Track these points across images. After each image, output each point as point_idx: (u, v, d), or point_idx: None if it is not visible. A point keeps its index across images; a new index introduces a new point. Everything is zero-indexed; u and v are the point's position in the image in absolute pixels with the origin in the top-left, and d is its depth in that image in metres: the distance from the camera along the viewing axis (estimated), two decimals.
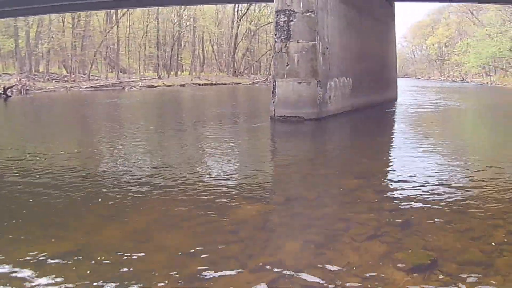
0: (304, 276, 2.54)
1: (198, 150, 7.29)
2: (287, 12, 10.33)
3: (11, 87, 21.44)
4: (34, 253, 2.82)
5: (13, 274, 2.57)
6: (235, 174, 5.33)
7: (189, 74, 43.53)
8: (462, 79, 52.17)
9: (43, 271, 2.58)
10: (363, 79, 14.15)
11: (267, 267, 2.65)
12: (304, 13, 10.24)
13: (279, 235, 3.30)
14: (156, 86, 32.23)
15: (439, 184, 4.60)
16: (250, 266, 2.67)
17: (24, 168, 5.61)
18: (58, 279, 2.50)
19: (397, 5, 19.46)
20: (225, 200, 4.09)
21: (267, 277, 2.53)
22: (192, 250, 2.91)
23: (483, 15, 43.86)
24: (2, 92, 19.55)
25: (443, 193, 4.26)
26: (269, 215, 3.77)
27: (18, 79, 24.93)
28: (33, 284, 2.46)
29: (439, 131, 9.88)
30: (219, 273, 2.58)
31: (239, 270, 2.62)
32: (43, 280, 2.49)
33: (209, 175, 5.20)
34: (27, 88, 23.32)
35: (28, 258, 2.75)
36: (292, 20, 10.30)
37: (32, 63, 32.27)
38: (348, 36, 12.72)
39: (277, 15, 10.53)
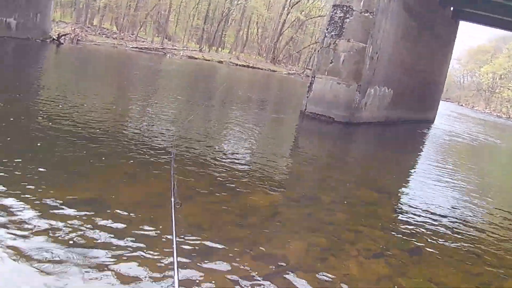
0: (302, 276, 2.50)
1: (220, 130, 7.27)
2: (345, 8, 10.03)
3: (65, 35, 22.20)
4: (56, 197, 2.92)
5: (34, 215, 2.65)
6: (253, 162, 5.29)
7: (229, 52, 43.50)
8: (508, 116, 49.89)
9: (61, 216, 2.68)
10: (405, 93, 13.71)
11: (269, 258, 2.63)
12: (362, 13, 9.91)
13: (287, 231, 3.25)
14: (196, 58, 32.41)
15: (458, 220, 4.44)
16: (253, 253, 2.67)
17: (57, 116, 5.77)
18: (75, 225, 2.58)
19: (460, 24, 18.58)
20: (240, 185, 4.07)
21: (267, 268, 2.51)
22: (202, 224, 2.94)
23: None
24: (56, 39, 20.26)
25: (460, 231, 4.10)
26: (281, 209, 3.73)
27: (73, 28, 25.73)
28: (49, 226, 2.54)
29: (469, 166, 9.46)
30: (222, 252, 2.60)
31: (242, 254, 2.61)
32: (59, 224, 2.57)
33: (227, 157, 5.17)
34: (79, 38, 24.02)
35: (49, 201, 2.85)
36: (347, 17, 10.00)
37: (88, 15, 33.11)
38: (401, 45, 12.28)
39: (334, 10, 10.24)
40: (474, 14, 16.51)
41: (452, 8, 16.62)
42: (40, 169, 3.34)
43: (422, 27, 13.52)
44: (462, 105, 64.95)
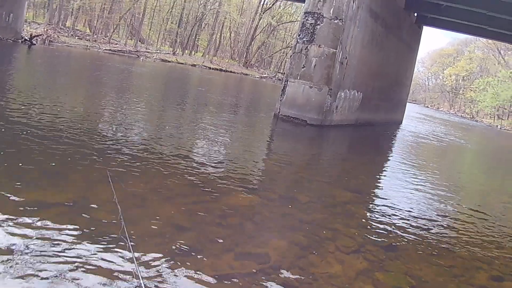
0: (284, 273, 2.57)
1: (194, 133, 7.27)
2: (316, 16, 10.28)
3: (38, 36, 21.64)
4: (34, 199, 2.87)
5: (11, 217, 2.58)
6: (229, 164, 5.31)
7: (202, 56, 43.44)
8: (472, 116, 52.21)
9: (40, 217, 2.62)
10: (373, 96, 14.15)
11: (251, 257, 2.69)
12: (332, 20, 10.20)
13: (267, 230, 3.32)
14: (169, 61, 32.17)
15: (428, 218, 4.63)
16: (235, 252, 2.71)
17: (29, 116, 5.60)
18: (53, 227, 2.54)
19: (424, 28, 19.37)
20: (217, 187, 4.10)
21: (250, 266, 2.56)
22: (183, 225, 2.95)
23: (511, 56, 43.79)
24: (28, 39, 19.69)
25: (431, 227, 4.29)
26: (260, 209, 3.79)
27: (45, 29, 25.04)
28: (28, 229, 2.47)
29: (437, 166, 9.86)
30: (204, 252, 2.63)
31: (225, 254, 2.65)
32: (38, 225, 2.51)
33: (203, 160, 5.18)
34: (51, 39, 23.44)
35: (28, 203, 2.80)
36: (318, 24, 10.26)
37: (61, 16, 32.29)
38: (369, 50, 12.69)
39: (305, 17, 10.48)
40: (437, 19, 17.30)
41: (416, 14, 17.34)
42: (14, 170, 3.25)
43: (388, 32, 14.03)
44: (427, 107, 67.45)
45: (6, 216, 2.56)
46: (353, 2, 10.52)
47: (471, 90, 52.88)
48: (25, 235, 2.40)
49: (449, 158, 12.37)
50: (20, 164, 3.51)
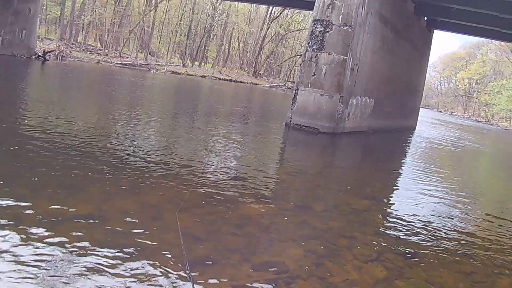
0: (302, 282, 2.54)
1: (207, 143, 7.31)
2: (325, 23, 10.31)
3: (50, 51, 22.17)
4: (52, 211, 2.91)
5: (30, 229, 2.62)
6: (243, 174, 5.31)
7: (211, 67, 43.87)
8: (487, 120, 51.32)
9: (59, 230, 2.66)
10: (385, 102, 14.05)
11: (269, 266, 2.67)
12: (342, 27, 10.21)
13: (283, 239, 3.29)
14: (179, 73, 32.58)
15: (447, 224, 4.54)
16: (252, 262, 2.70)
17: (45, 129, 5.71)
18: (72, 239, 2.56)
19: (434, 32, 19.25)
20: (232, 196, 4.09)
21: (267, 276, 2.54)
22: (199, 235, 2.96)
23: None
24: (41, 55, 20.16)
25: (450, 234, 4.20)
26: (275, 218, 3.76)
27: (57, 45, 25.73)
28: (48, 241, 2.50)
29: (454, 172, 9.68)
30: (222, 261, 2.63)
31: (242, 264, 2.64)
32: (56, 239, 2.54)
33: (217, 170, 5.20)
34: (64, 55, 24.03)
35: (46, 214, 2.84)
36: (328, 32, 10.28)
37: (72, 32, 33.10)
38: (380, 56, 12.64)
39: (314, 24, 10.51)
40: (448, 23, 17.18)
41: (426, 18, 17.25)
42: (34, 184, 3.31)
43: (399, 37, 13.97)
44: (441, 111, 66.62)
45: (25, 228, 2.60)
46: (362, 8, 10.52)
47: (485, 94, 52.08)
48: (44, 246, 2.43)
49: (465, 163, 12.15)
50: (36, 179, 3.57)
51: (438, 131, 21.71)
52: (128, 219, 3.05)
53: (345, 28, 10.22)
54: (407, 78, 16.41)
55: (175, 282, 2.33)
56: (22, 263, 2.25)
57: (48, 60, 20.43)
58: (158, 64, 34.06)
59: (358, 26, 10.51)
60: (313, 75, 10.45)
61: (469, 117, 57.82)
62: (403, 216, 4.55)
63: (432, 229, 4.21)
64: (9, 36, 18.42)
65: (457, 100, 69.81)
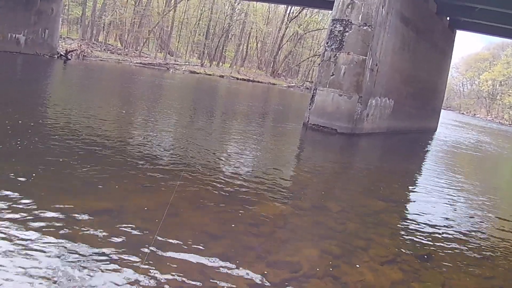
0: (317, 282, 2.55)
1: (225, 142, 7.37)
2: (344, 23, 10.23)
3: (72, 51, 22.70)
4: (75, 206, 3.01)
5: (52, 223, 2.71)
6: (259, 173, 5.34)
7: (229, 67, 44.02)
8: (510, 123, 49.83)
9: (78, 224, 2.75)
10: (405, 103, 13.83)
11: (284, 265, 2.69)
12: (361, 26, 10.11)
13: (299, 238, 3.30)
14: (197, 73, 32.82)
15: (465, 227, 4.47)
16: (267, 260, 2.73)
17: (69, 129, 5.88)
18: (90, 234, 2.64)
19: (457, 32, 18.83)
20: (249, 195, 4.13)
21: (282, 275, 2.56)
22: (215, 233, 3.01)
23: None
24: (64, 54, 20.68)
25: (468, 237, 4.13)
26: (291, 218, 3.78)
27: (79, 45, 26.30)
28: (67, 234, 2.59)
29: (474, 176, 9.46)
30: (237, 259, 2.66)
31: (257, 262, 2.67)
32: (74, 233, 2.63)
33: (234, 168, 5.24)
34: (85, 54, 24.54)
35: (69, 210, 2.94)
36: (347, 31, 10.20)
37: (93, 32, 33.81)
38: (400, 56, 12.46)
39: (333, 24, 10.45)
40: (471, 23, 16.78)
41: (448, 18, 16.90)
42: (55, 180, 3.42)
43: (420, 37, 13.73)
44: (463, 113, 65.06)
45: (49, 222, 2.70)
46: (383, 8, 10.40)
47: (510, 95, 50.59)
48: (67, 240, 2.52)
49: (486, 167, 11.84)
50: (61, 173, 3.69)
51: (459, 133, 21.23)
52: (144, 215, 3.11)
53: (364, 27, 10.12)
54: (428, 79, 16.12)
55: (188, 278, 2.37)
56: (42, 254, 2.34)
57: (70, 59, 20.92)
58: (177, 64, 34.43)
59: (378, 26, 10.39)
60: (331, 75, 10.39)
61: (492, 119, 56.27)
62: (420, 218, 4.50)
63: (450, 232, 4.14)
64: (32, 36, 18.92)
65: (480, 102, 68.02)
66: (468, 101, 72.28)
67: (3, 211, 2.74)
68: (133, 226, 2.88)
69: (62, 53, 21.02)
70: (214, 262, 2.59)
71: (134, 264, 2.40)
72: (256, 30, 47.55)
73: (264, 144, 7.71)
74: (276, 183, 4.84)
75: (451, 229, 4.27)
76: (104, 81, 15.56)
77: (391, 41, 11.47)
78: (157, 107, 10.39)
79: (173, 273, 2.37)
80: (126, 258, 2.45)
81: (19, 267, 2.19)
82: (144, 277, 2.30)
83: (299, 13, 46.28)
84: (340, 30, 10.27)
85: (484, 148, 16.11)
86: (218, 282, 2.37)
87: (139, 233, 2.80)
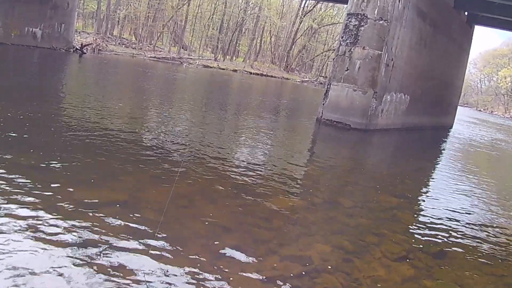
0: (328, 277, 2.56)
1: (238, 137, 7.39)
2: (359, 17, 10.11)
3: (88, 45, 22.97)
4: (91, 197, 3.08)
5: (72, 214, 2.78)
6: (272, 168, 5.35)
7: (243, 61, 43.94)
8: None
9: (97, 215, 2.81)
10: (421, 99, 13.63)
11: (296, 259, 2.71)
12: (377, 21, 9.98)
13: (311, 233, 3.31)
14: (211, 67, 32.88)
15: (479, 225, 4.41)
16: (280, 254, 2.74)
17: (85, 122, 5.98)
18: (105, 223, 2.70)
19: (476, 28, 18.42)
20: (261, 189, 4.15)
21: (294, 268, 2.58)
22: (228, 226, 3.04)
23: None
24: (79, 48, 20.96)
25: (481, 235, 4.08)
26: (303, 213, 3.78)
27: (94, 39, 26.59)
28: (83, 224, 2.66)
29: (490, 174, 9.27)
30: (249, 253, 2.68)
31: (269, 256, 2.69)
32: (89, 223, 2.70)
33: (247, 163, 5.26)
34: (100, 48, 24.80)
35: (86, 201, 3.01)
36: (362, 26, 10.08)
37: (108, 26, 34.13)
38: (417, 51, 12.27)
39: (348, 18, 10.33)
40: (490, 18, 16.38)
41: (466, 13, 16.53)
42: (73, 170, 3.50)
43: (437, 32, 13.48)
44: (480, 110, 63.75)
45: (67, 212, 2.76)
46: (399, 2, 10.23)
47: None
48: (83, 230, 2.58)
49: (502, 166, 11.62)
50: (79, 164, 3.76)
51: (476, 130, 20.84)
52: (159, 207, 3.16)
53: (380, 22, 9.98)
54: (445, 74, 15.83)
55: (201, 273, 2.40)
56: (61, 241, 2.40)
57: (85, 53, 21.18)
58: (191, 58, 34.54)
59: (394, 20, 10.23)
60: (346, 70, 10.30)
61: (511, 117, 55.03)
62: (434, 215, 4.45)
63: (464, 230, 4.10)
64: (48, 30, 19.20)
65: (498, 99, 66.52)
66: (486, 98, 70.74)
67: (20, 200, 2.81)
68: (146, 216, 2.92)
69: (77, 47, 21.30)
70: (226, 254, 2.61)
71: (147, 253, 2.44)
72: (270, 24, 47.28)
73: (277, 139, 7.71)
74: (288, 178, 4.84)
75: (465, 226, 4.22)
76: (119, 75, 15.74)
77: (407, 36, 11.29)
78: (171, 101, 10.48)
79: (185, 265, 2.41)
80: (139, 248, 2.49)
81: (40, 253, 2.25)
82: (158, 267, 2.34)
83: (314, 7, 45.85)
84: (355, 25, 10.15)
85: (501, 146, 15.78)
86: (230, 274, 2.40)
87: (151, 223, 2.84)
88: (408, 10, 10.88)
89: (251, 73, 36.90)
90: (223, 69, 34.34)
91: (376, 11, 9.96)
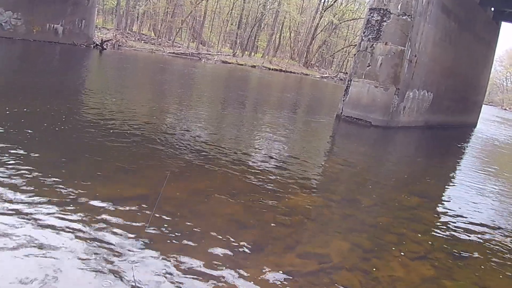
0: (346, 275, 2.55)
1: (257, 133, 7.39)
2: (382, 12, 9.93)
3: (108, 41, 23.33)
4: (112, 192, 3.15)
5: (89, 209, 2.86)
6: (291, 164, 5.32)
7: (261, 57, 43.77)
8: None
9: (117, 210, 2.87)
10: (445, 97, 13.32)
11: (313, 256, 2.70)
12: (400, 16, 9.78)
13: (329, 231, 3.30)
14: (229, 63, 32.90)
15: (502, 226, 4.30)
16: (297, 251, 2.74)
17: (104, 117, 6.10)
18: (123, 217, 2.76)
19: (502, 25, 17.83)
20: (279, 186, 4.15)
21: (311, 265, 2.58)
22: (245, 223, 3.05)
23: None
24: (99, 44, 21.32)
25: (504, 236, 3.97)
26: (322, 210, 3.77)
27: (114, 34, 27.01)
28: (101, 218, 2.72)
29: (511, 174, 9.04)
30: (267, 249, 2.69)
31: (286, 252, 2.70)
32: (108, 217, 2.76)
33: (265, 159, 5.27)
34: (120, 44, 25.16)
35: (102, 195, 3.08)
36: (385, 21, 9.90)
37: (127, 22, 34.63)
38: (441, 48, 11.97)
39: (370, 13, 10.17)
40: None
41: (493, 9, 16.01)
42: (91, 166, 3.59)
43: (462, 28, 13.12)
44: (505, 109, 61.76)
45: (88, 207, 2.84)
46: None
47: None
48: (104, 224, 2.64)
49: None
50: (99, 159, 3.85)
51: (500, 130, 20.23)
52: (178, 202, 3.21)
53: (404, 17, 9.78)
54: (469, 72, 15.40)
55: (221, 269, 2.43)
56: (83, 236, 2.47)
57: (105, 49, 21.52)
58: (209, 54, 34.63)
59: (418, 16, 10.01)
60: (367, 66, 10.15)
61: None
62: (455, 215, 4.37)
63: (485, 230, 4.01)
64: (69, 26, 19.59)
65: None
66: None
67: (41, 196, 2.90)
68: (164, 211, 2.97)
69: (98, 42, 21.63)
70: (243, 250, 2.63)
71: (166, 250, 2.49)
72: (290, 20, 46.89)
73: (296, 135, 7.69)
74: (307, 175, 4.83)
75: (487, 227, 4.12)
76: (138, 70, 15.96)
77: (431, 32, 11.03)
78: (189, 97, 10.56)
79: (202, 260, 2.44)
80: (158, 242, 2.54)
81: (62, 247, 2.33)
82: (175, 263, 2.38)
83: (334, 1, 45.22)
84: (378, 20, 9.98)
85: None
86: (247, 270, 2.42)
87: (169, 218, 2.88)
88: (432, 6, 10.63)
89: (270, 68, 36.76)
90: (242, 64, 34.33)
91: (399, 6, 9.77)
